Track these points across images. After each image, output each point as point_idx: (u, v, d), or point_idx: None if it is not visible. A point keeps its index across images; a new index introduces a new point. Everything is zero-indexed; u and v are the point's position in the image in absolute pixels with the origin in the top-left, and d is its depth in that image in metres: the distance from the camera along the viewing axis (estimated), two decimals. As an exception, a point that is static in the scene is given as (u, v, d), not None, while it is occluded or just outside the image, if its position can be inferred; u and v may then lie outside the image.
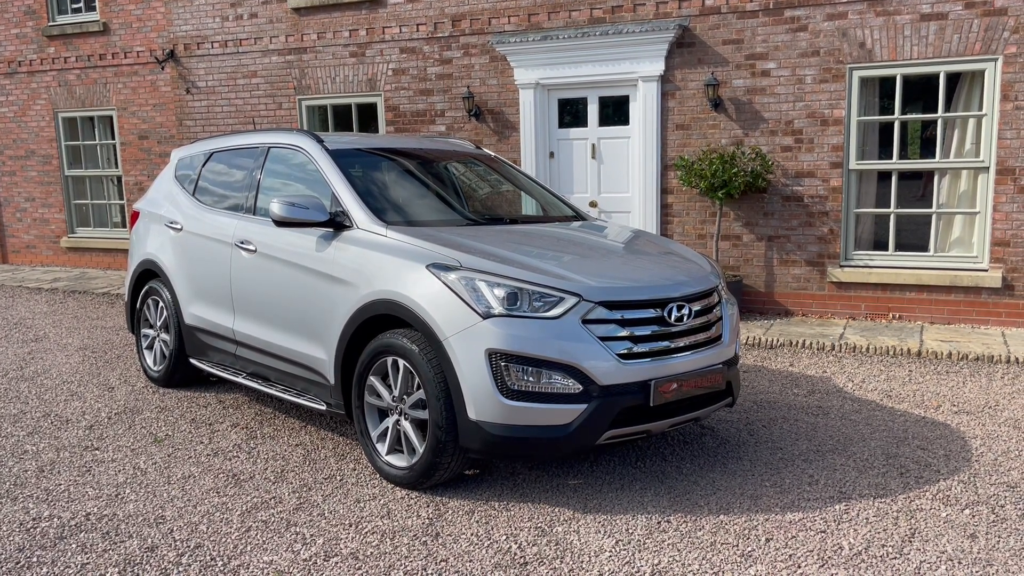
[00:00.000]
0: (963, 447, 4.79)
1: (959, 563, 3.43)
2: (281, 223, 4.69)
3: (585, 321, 3.93)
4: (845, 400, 5.78)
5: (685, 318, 4.17)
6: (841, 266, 8.33)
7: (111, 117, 12.43)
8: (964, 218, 8.08)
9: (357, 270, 4.45)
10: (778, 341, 7.42)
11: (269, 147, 5.52)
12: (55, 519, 3.93)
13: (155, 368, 6.29)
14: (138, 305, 6.50)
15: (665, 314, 4.11)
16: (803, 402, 5.75)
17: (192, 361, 5.92)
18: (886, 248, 8.36)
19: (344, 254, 4.56)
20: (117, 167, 12.53)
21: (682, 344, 4.16)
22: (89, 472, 4.53)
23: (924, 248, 8.37)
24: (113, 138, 12.50)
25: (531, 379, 3.84)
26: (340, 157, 5.08)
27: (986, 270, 7.87)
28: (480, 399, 3.87)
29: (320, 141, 5.20)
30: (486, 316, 3.88)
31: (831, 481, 4.31)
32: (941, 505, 4.00)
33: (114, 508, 4.04)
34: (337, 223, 4.67)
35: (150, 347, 6.42)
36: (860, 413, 5.47)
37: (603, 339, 3.92)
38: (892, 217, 8.29)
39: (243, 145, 5.80)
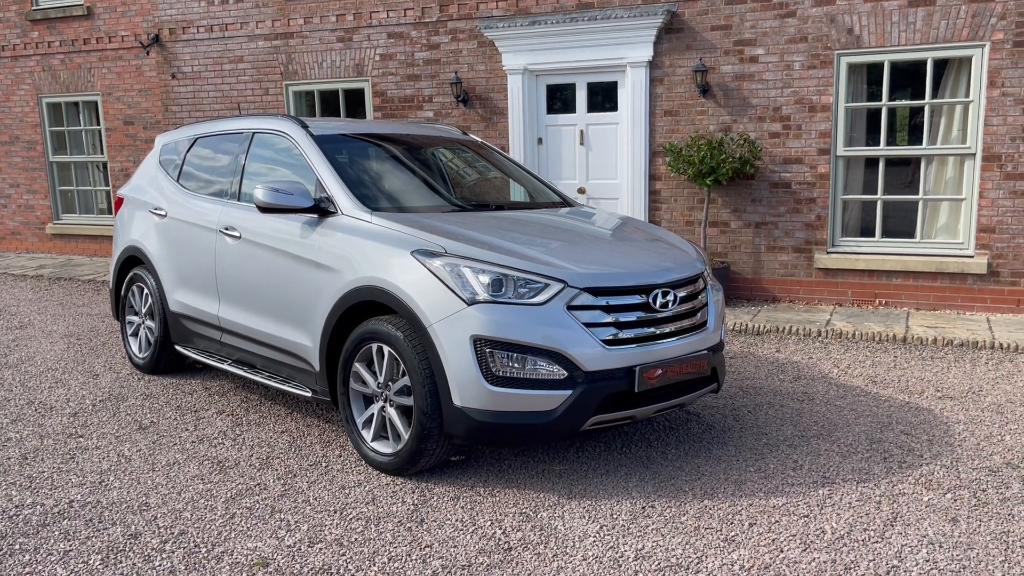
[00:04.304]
0: (946, 432, 4.83)
1: (940, 547, 3.46)
2: (265, 209, 4.66)
3: (570, 307, 3.92)
4: (830, 386, 5.81)
5: (670, 304, 4.17)
6: (828, 252, 8.36)
7: (96, 102, 12.32)
8: (950, 205, 8.11)
9: (342, 256, 4.43)
10: (765, 327, 7.44)
11: (254, 132, 5.48)
12: (38, 506, 3.91)
13: (140, 355, 6.26)
14: (123, 292, 6.46)
15: (650, 300, 4.10)
16: (789, 388, 5.77)
17: (177, 348, 5.90)
18: (873, 234, 8.39)
19: (328, 240, 4.54)
20: (102, 153, 12.42)
21: (667, 330, 4.17)
22: (73, 459, 4.51)
23: (911, 235, 8.40)
24: (98, 124, 12.40)
25: (516, 365, 3.84)
26: (325, 143, 5.04)
27: (972, 256, 7.90)
28: (465, 385, 3.86)
29: (305, 127, 5.17)
30: (471, 302, 3.87)
31: (815, 466, 4.33)
32: (923, 489, 4.03)
33: (98, 495, 4.03)
34: (322, 209, 4.64)
35: (135, 334, 6.38)
36: (845, 399, 5.50)
37: (588, 325, 3.92)
38: (879, 203, 8.31)
39: (228, 130, 5.75)
